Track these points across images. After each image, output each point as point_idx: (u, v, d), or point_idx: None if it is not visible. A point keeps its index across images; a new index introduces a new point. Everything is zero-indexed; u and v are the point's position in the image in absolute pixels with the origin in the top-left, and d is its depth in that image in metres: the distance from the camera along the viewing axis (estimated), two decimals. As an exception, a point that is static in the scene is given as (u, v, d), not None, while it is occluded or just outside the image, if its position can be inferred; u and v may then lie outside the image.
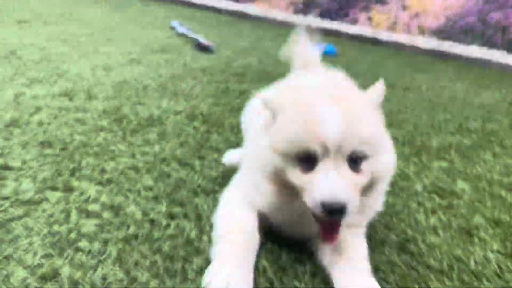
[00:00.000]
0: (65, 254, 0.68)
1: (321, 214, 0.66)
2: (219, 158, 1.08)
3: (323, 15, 5.12)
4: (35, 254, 0.67)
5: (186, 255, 0.73)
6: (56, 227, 0.74)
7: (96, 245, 0.71)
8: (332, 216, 0.67)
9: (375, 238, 0.84)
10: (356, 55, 3.22)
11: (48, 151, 0.98)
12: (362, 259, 0.76)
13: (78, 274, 0.65)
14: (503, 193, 1.13)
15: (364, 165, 0.73)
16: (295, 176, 0.72)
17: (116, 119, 1.21)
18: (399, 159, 1.23)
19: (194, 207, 0.87)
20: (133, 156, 1.03)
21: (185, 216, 0.83)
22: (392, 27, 4.87)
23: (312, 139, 0.71)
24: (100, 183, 0.89)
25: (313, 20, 4.71)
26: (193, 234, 0.78)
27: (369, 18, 5.01)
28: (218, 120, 1.33)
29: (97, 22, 2.79)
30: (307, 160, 0.72)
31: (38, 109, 1.21)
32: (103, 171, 0.93)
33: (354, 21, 5.00)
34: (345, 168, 0.70)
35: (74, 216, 0.77)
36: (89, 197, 0.83)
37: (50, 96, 1.32)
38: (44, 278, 0.63)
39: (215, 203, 0.85)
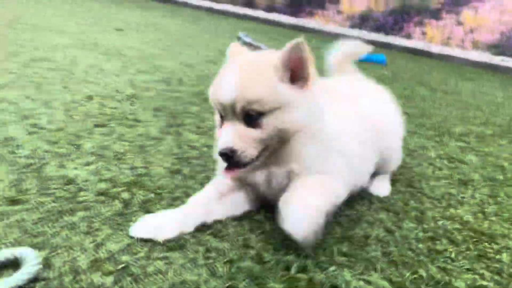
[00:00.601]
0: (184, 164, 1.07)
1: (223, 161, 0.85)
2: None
3: (379, 29, 5.39)
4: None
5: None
6: (176, 150, 1.13)
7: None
8: (227, 161, 0.84)
9: (391, 179, 1.16)
10: (405, 64, 3.48)
11: (160, 113, 1.40)
12: (306, 185, 0.86)
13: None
14: (505, 164, 1.40)
15: (264, 121, 0.84)
16: (218, 131, 0.90)
17: (203, 98, 1.62)
18: (422, 138, 1.53)
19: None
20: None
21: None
22: (446, 42, 5.06)
23: (216, 102, 0.87)
24: (197, 133, 1.28)
25: (368, 34, 5.00)
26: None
27: (423, 33, 5.23)
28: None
29: (178, 31, 3.30)
30: (221, 118, 0.89)
31: (147, 89, 1.65)
32: (198, 127, 1.33)
33: (408, 36, 5.23)
34: (239, 124, 0.84)
35: (176, 149, 1.17)
36: (191, 140, 1.23)
37: (153, 81, 1.76)
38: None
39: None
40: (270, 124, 0.85)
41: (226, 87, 0.85)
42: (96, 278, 0.63)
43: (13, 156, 0.95)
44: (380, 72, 2.82)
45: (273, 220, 0.85)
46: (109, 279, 0.63)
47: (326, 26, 5.13)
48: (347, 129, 0.97)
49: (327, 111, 0.93)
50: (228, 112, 0.86)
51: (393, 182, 1.15)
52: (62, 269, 0.63)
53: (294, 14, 5.78)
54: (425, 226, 0.93)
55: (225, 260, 0.72)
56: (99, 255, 0.68)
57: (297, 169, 0.88)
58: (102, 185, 0.89)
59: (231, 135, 0.84)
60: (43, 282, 0.60)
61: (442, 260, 0.81)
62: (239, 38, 3.35)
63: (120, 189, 0.89)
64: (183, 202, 0.85)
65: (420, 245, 0.85)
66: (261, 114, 0.85)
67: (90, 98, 1.44)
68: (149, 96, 1.56)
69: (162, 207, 0.85)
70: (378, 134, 1.07)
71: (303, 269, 0.73)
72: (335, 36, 4.59)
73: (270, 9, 5.91)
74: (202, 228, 0.81)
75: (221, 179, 0.93)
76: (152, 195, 0.89)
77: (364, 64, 2.99)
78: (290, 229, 0.77)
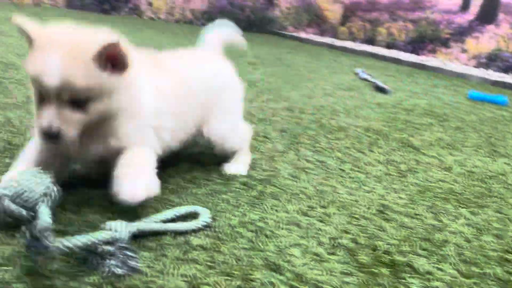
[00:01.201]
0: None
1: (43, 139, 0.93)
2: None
3: (507, 69, 5.20)
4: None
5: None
6: (295, 161, 1.45)
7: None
8: (47, 141, 0.92)
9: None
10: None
11: (284, 134, 1.75)
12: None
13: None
14: None
15: (90, 106, 0.92)
16: (37, 108, 0.94)
17: (319, 125, 1.93)
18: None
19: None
20: (328, 143, 1.72)
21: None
22: None
23: (38, 83, 0.88)
24: (312, 151, 1.59)
25: (493, 74, 4.86)
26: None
27: (558, 75, 4.90)
28: (382, 133, 1.94)
29: (301, 66, 3.70)
30: (40, 99, 0.92)
31: (274, 114, 2.02)
32: (313, 147, 1.64)
33: (540, 78, 4.95)
34: (62, 106, 0.89)
35: (296, 161, 1.48)
36: (307, 155, 1.54)
37: (279, 108, 2.13)
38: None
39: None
40: (94, 109, 0.93)
41: (51, 72, 0.87)
42: (244, 231, 0.96)
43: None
44: (499, 113, 2.84)
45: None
46: (249, 234, 0.96)
47: (448, 65, 5.12)
48: (160, 106, 1.08)
49: (145, 90, 1.05)
50: (52, 94, 0.89)
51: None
52: (222, 223, 0.98)
53: (415, 51, 5.85)
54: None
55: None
56: (243, 219, 1.01)
57: (115, 143, 1.00)
58: (244, 179, 1.24)
59: (55, 116, 0.89)
60: (212, 229, 0.96)
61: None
62: (356, 74, 3.63)
63: (255, 182, 1.23)
64: (299, 197, 1.17)
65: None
66: (85, 100, 0.92)
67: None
68: (275, 120, 1.92)
69: (286, 199, 1.17)
70: (201, 106, 1.22)
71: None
72: (458, 76, 4.59)
73: (390, 46, 6.07)
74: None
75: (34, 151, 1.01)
76: (278, 189, 1.21)
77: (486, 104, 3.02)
78: (126, 196, 0.91)
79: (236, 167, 1.30)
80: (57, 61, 0.87)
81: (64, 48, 0.89)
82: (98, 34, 0.94)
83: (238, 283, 0.78)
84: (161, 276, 0.77)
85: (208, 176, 1.24)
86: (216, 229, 0.95)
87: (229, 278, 0.79)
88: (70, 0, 5.61)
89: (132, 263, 0.76)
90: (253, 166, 1.35)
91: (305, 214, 1.09)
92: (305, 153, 1.55)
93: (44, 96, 0.91)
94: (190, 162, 1.32)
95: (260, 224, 1.01)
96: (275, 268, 0.84)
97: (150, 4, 6.10)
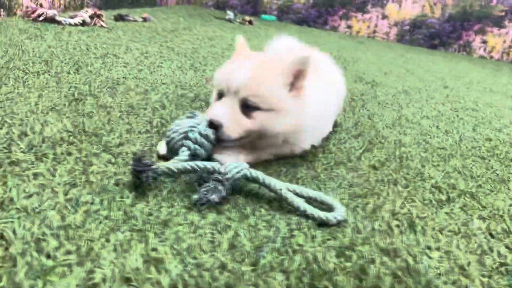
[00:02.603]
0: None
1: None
2: None
3: None
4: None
5: None
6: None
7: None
8: (210, 128, 1.00)
9: None
10: None
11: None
12: None
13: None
14: None
15: (257, 114, 1.02)
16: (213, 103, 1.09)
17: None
18: None
19: None
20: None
21: None
22: None
23: (223, 85, 1.04)
24: None
25: None
26: None
27: None
28: None
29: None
30: (219, 95, 1.06)
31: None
32: None
33: None
34: (234, 106, 1.02)
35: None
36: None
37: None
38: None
39: None
40: (261, 119, 1.02)
41: (237, 75, 1.02)
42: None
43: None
44: None
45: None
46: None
47: None
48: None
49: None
50: (230, 95, 1.03)
51: None
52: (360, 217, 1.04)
53: None
54: None
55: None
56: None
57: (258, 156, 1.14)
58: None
59: (225, 110, 1.02)
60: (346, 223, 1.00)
61: None
62: None
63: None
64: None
65: None
66: (257, 108, 1.01)
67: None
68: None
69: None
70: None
71: None
72: None
73: None
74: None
75: None
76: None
77: None
78: None
79: None
80: (248, 68, 1.04)
81: (256, 61, 1.08)
82: (295, 54, 1.07)
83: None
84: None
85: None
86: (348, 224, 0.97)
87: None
88: (402, 36, 6.02)
89: (216, 196, 0.96)
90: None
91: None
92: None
93: (219, 97, 1.08)
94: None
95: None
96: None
97: (484, 42, 5.77)
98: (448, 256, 0.92)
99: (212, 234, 0.87)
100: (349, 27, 6.06)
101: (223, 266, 0.78)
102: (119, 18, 3.37)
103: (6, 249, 0.73)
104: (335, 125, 1.68)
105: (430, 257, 0.90)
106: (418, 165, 1.41)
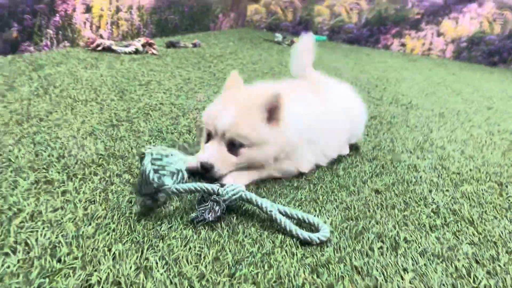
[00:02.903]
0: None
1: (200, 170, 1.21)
2: None
3: None
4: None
5: None
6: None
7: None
8: (203, 171, 1.20)
9: None
10: None
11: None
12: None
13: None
14: None
15: (243, 151, 1.20)
16: (203, 144, 1.26)
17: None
18: None
19: None
20: None
21: None
22: None
23: (211, 126, 1.21)
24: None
25: None
26: None
27: None
28: None
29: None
30: (208, 136, 1.24)
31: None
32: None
33: None
34: (221, 147, 1.21)
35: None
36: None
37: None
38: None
39: None
40: (246, 154, 1.21)
41: (224, 118, 1.20)
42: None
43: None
44: None
45: None
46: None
47: None
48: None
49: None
50: (217, 135, 1.21)
51: None
52: (345, 238, 1.13)
53: None
54: None
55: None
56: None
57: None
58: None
59: (214, 154, 1.21)
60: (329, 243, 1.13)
61: None
62: None
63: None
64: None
65: None
66: (242, 145, 1.20)
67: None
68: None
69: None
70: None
71: None
72: None
73: None
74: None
75: None
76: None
77: None
78: None
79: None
80: (231, 110, 1.20)
81: (239, 99, 1.23)
82: (268, 91, 1.20)
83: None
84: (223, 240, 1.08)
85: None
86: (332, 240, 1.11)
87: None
88: (459, 52, 5.84)
89: (211, 215, 1.09)
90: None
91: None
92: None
93: (208, 137, 1.25)
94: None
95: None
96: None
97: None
98: (421, 278, 0.96)
99: (201, 248, 0.99)
100: (403, 45, 5.99)
101: (202, 276, 0.90)
102: (170, 45, 3.65)
103: (28, 253, 0.90)
104: (353, 148, 1.74)
105: (402, 278, 0.96)
106: (425, 190, 1.44)
